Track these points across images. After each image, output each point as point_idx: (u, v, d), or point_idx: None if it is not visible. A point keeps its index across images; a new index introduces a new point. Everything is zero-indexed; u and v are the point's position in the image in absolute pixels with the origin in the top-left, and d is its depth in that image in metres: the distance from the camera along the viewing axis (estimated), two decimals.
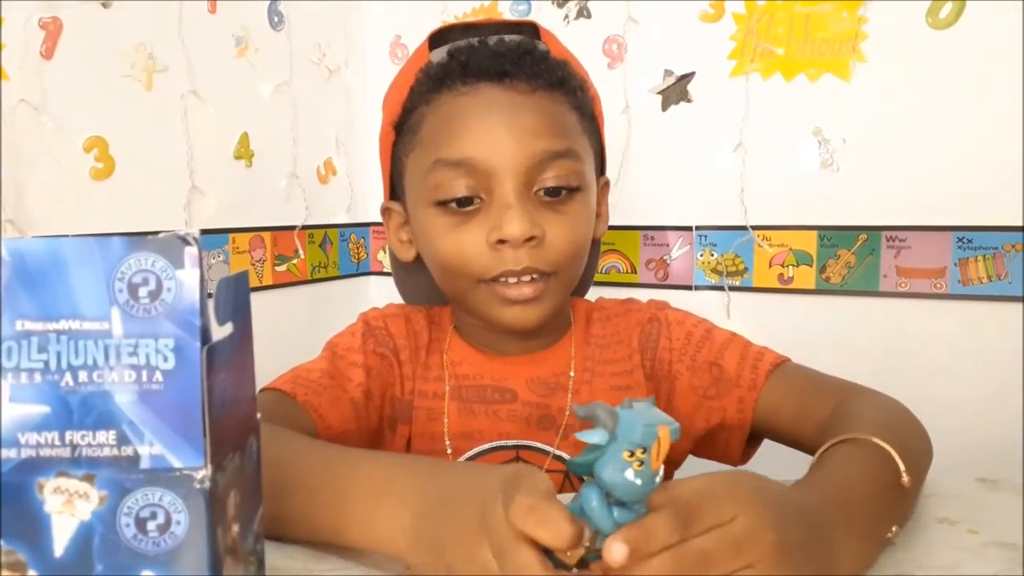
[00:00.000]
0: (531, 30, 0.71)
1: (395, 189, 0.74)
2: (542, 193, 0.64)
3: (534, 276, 0.64)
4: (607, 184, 0.75)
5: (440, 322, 0.76)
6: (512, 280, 0.64)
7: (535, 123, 0.64)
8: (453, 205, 0.64)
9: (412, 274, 0.78)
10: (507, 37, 0.67)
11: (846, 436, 0.53)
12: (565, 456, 0.69)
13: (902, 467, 0.50)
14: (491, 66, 0.64)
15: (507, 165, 0.63)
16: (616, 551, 0.34)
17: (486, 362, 0.72)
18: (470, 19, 1.59)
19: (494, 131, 0.63)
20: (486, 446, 0.70)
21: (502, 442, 0.70)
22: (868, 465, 0.50)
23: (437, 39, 0.70)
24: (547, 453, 0.70)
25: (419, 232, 0.69)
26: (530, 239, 0.63)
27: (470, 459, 0.69)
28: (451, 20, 1.52)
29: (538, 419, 0.70)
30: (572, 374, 0.72)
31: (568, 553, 0.36)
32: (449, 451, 0.69)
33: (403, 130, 0.69)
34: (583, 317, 0.76)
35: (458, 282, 0.67)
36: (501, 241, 0.63)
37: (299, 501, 0.48)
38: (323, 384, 0.66)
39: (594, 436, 0.36)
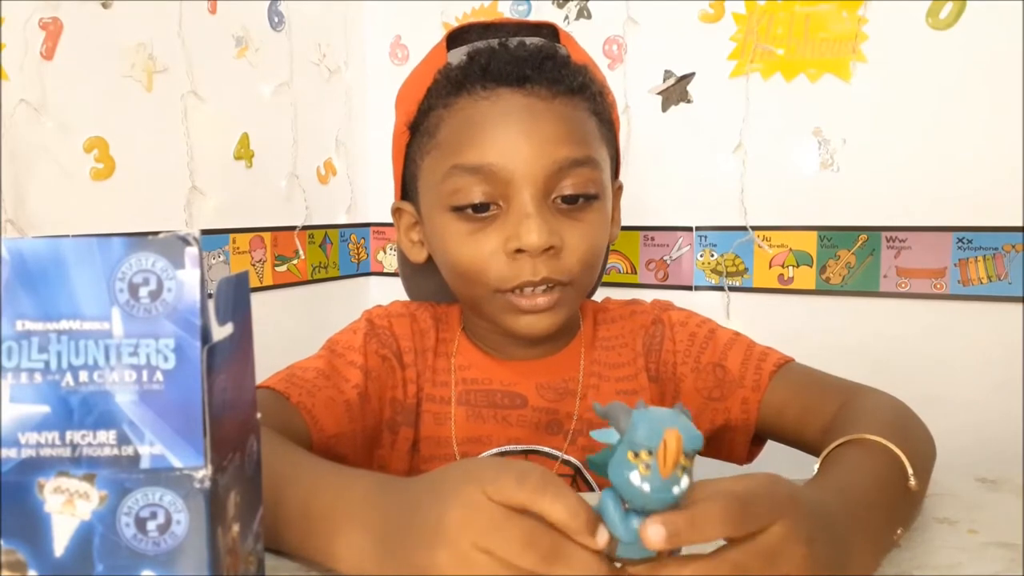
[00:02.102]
0: (550, 32, 0.70)
1: (406, 189, 0.73)
2: (559, 201, 0.64)
3: (549, 285, 0.64)
4: (620, 188, 0.74)
5: (448, 321, 0.75)
6: (528, 290, 0.64)
7: (555, 130, 0.62)
8: (469, 211, 0.63)
9: (420, 275, 0.78)
10: (527, 40, 0.66)
11: (855, 436, 0.52)
12: (574, 461, 0.69)
13: (911, 471, 0.50)
14: (512, 71, 0.63)
15: (526, 173, 0.62)
16: (652, 533, 0.33)
17: (495, 367, 0.72)
18: (477, 19, 1.59)
19: (513, 138, 0.62)
20: (495, 450, 0.69)
21: (511, 447, 0.69)
22: (879, 468, 0.50)
23: (454, 39, 0.68)
24: (556, 458, 0.69)
25: (433, 236, 0.68)
26: (548, 249, 0.62)
27: None
28: (451, 21, 1.52)
29: (547, 424, 0.70)
30: (580, 378, 0.72)
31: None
32: (457, 455, 0.69)
33: (419, 131, 0.68)
34: (590, 320, 0.75)
35: (473, 289, 0.66)
36: (519, 250, 0.62)
37: (267, 512, 0.48)
38: (318, 384, 0.65)
39: (605, 435, 0.36)
